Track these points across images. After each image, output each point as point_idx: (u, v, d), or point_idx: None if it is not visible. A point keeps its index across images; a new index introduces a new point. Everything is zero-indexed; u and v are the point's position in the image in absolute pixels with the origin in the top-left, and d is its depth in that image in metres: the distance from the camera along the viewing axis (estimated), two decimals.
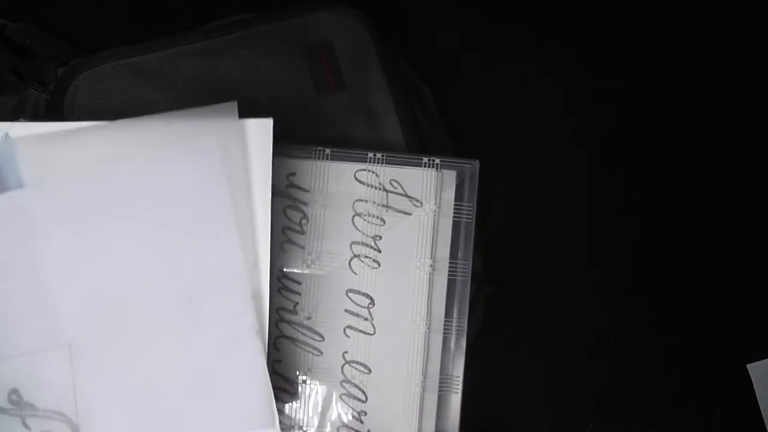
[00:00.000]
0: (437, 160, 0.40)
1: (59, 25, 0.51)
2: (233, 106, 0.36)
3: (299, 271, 0.40)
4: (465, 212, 0.40)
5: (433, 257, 0.40)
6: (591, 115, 0.55)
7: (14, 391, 0.36)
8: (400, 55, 0.45)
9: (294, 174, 0.40)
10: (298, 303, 0.39)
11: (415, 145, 0.42)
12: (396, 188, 0.40)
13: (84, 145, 0.37)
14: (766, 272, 0.53)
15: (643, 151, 0.55)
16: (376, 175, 0.40)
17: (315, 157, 0.40)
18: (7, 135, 0.36)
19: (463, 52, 0.55)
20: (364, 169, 0.40)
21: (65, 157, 0.36)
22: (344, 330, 0.39)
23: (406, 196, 0.40)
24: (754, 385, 0.52)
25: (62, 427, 0.36)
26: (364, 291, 0.39)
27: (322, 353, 0.39)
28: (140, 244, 0.36)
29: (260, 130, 0.36)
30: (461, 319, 0.40)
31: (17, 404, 0.36)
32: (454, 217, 0.40)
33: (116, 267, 0.36)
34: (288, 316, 0.39)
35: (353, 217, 0.40)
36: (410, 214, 0.40)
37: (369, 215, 0.40)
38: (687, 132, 0.55)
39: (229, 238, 0.36)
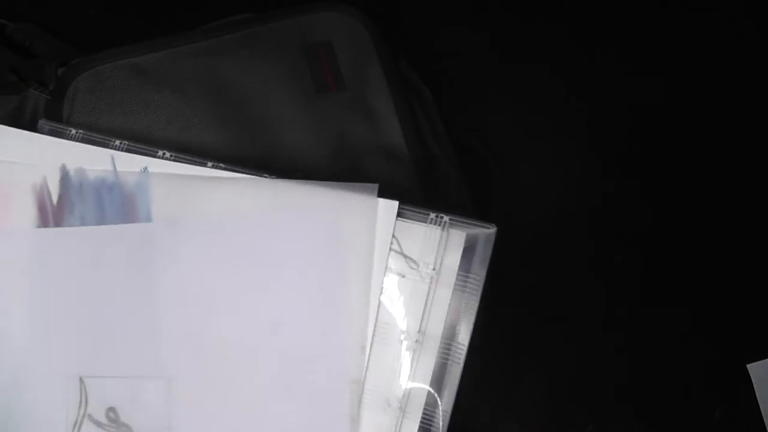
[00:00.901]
0: (446, 218, 0.35)
1: (59, 25, 0.51)
2: (374, 188, 0.35)
3: None
4: (470, 285, 0.35)
5: (421, 331, 0.34)
6: (594, 115, 0.55)
7: (112, 409, 0.38)
8: (400, 55, 0.45)
9: None
10: None
11: (415, 145, 0.42)
12: (392, 243, 0.35)
13: (218, 192, 0.37)
14: (767, 272, 0.53)
15: (643, 151, 0.55)
16: None
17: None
18: (146, 169, 0.38)
19: (463, 52, 0.55)
20: None
21: (197, 201, 0.37)
22: None
23: (402, 254, 0.35)
24: (754, 385, 0.52)
25: None
26: None
27: None
28: (252, 297, 0.37)
29: (387, 211, 0.35)
30: (447, 409, 0.34)
31: (114, 422, 0.37)
32: (455, 287, 0.35)
33: (224, 313, 0.37)
34: None
35: None
36: (403, 276, 0.35)
37: None
38: (690, 133, 0.55)
39: (338, 317, 0.35)
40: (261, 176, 0.36)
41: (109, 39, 0.43)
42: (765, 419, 0.51)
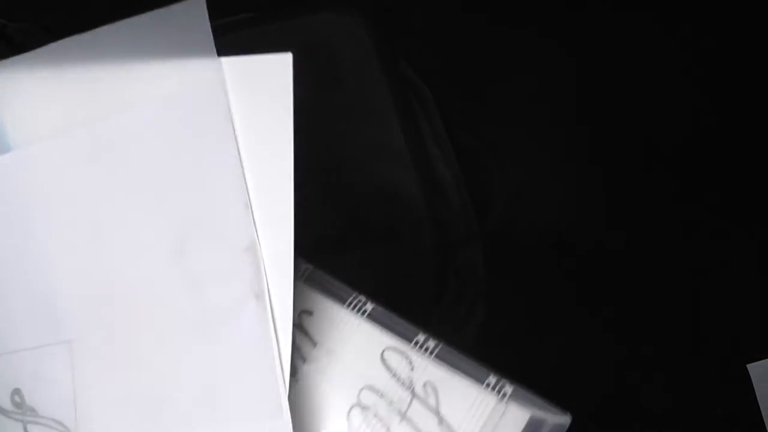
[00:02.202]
0: (508, 389, 0.27)
1: (59, 25, 0.51)
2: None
3: None
4: None
5: None
6: (595, 116, 0.55)
7: (17, 391, 0.32)
8: (400, 55, 0.45)
9: (310, 314, 0.30)
10: None
11: (415, 146, 0.42)
12: (427, 397, 0.28)
13: (62, 87, 0.31)
14: (767, 272, 0.54)
15: (643, 151, 0.55)
16: (411, 367, 0.28)
17: (348, 305, 0.30)
18: None
19: (463, 52, 0.55)
20: (400, 352, 0.28)
21: (48, 110, 0.31)
22: None
23: (437, 415, 0.27)
24: (754, 385, 0.52)
25: None
26: None
27: None
28: (137, 211, 0.30)
29: (277, 69, 0.29)
30: None
31: (20, 407, 0.32)
32: None
33: (113, 244, 0.31)
34: None
35: (352, 407, 0.28)
36: None
37: (375, 416, 0.28)
38: (691, 129, 0.55)
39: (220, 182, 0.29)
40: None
41: None
42: (765, 419, 0.51)
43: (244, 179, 0.29)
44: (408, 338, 0.29)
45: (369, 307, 0.29)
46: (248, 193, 0.28)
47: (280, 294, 0.28)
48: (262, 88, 0.29)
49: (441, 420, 0.27)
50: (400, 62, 0.45)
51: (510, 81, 0.55)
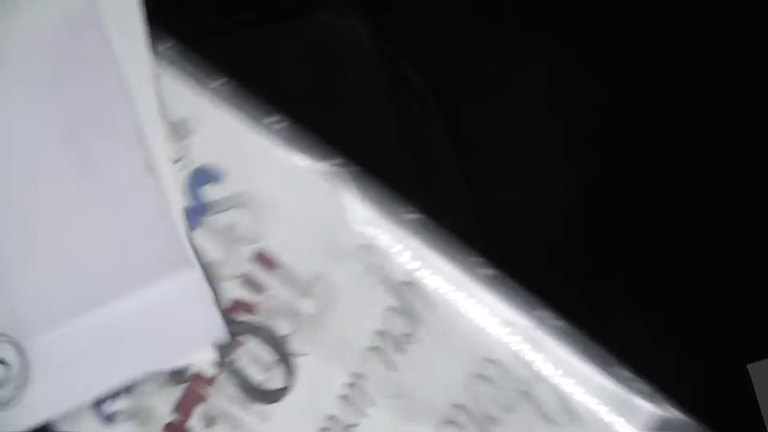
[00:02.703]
0: (640, 384, 0.27)
1: None
2: None
3: (377, 396, 0.29)
4: None
5: None
6: (596, 117, 0.55)
7: None
8: (400, 55, 0.45)
9: (433, 273, 0.29)
10: (358, 425, 0.29)
11: (416, 148, 0.42)
12: (553, 378, 0.27)
13: None
14: (767, 272, 0.54)
15: (642, 151, 0.55)
16: (537, 344, 0.28)
17: (469, 270, 0.29)
18: None
19: (464, 52, 0.55)
20: (524, 327, 0.28)
21: None
22: None
23: (561, 398, 0.27)
24: (754, 385, 0.52)
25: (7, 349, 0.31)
26: None
27: None
28: (24, 106, 0.31)
29: None
30: None
31: None
32: None
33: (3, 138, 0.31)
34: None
35: (475, 376, 0.28)
36: (553, 423, 0.27)
37: (496, 388, 0.28)
38: (686, 131, 0.55)
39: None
40: None
41: None
42: (765, 419, 0.51)
43: (119, 67, 0.31)
44: (532, 314, 0.28)
45: (489, 271, 0.28)
46: (126, 78, 0.31)
47: (167, 164, 0.31)
48: None
49: (566, 405, 0.27)
50: (400, 62, 0.45)
51: (510, 81, 0.55)
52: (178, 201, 0.31)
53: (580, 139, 0.55)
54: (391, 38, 0.43)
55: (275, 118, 0.32)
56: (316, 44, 0.42)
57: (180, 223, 0.30)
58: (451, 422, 0.28)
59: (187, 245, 0.30)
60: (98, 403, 0.32)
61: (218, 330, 0.30)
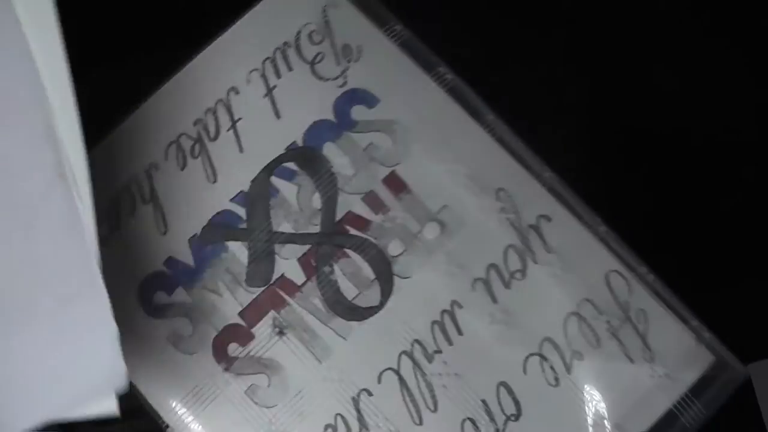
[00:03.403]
0: (708, 335, 0.33)
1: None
2: None
3: (471, 324, 0.32)
4: (691, 413, 0.31)
5: (619, 426, 0.31)
6: (598, 117, 0.53)
7: None
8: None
9: (548, 219, 0.33)
10: (441, 352, 0.31)
11: None
12: (638, 322, 0.32)
13: None
14: (767, 272, 0.54)
15: (642, 151, 0.54)
16: (630, 290, 0.32)
17: (587, 224, 0.33)
18: None
19: (464, 52, 0.52)
20: (623, 275, 0.32)
21: None
22: (463, 421, 0.31)
23: (643, 339, 0.32)
24: (754, 385, 0.54)
25: None
26: (518, 397, 0.31)
27: (421, 424, 0.31)
28: None
29: None
30: None
31: None
32: (674, 406, 0.31)
33: None
34: (419, 357, 0.31)
35: (572, 314, 0.32)
36: (633, 361, 0.31)
37: (589, 327, 0.32)
38: (687, 132, 0.54)
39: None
40: None
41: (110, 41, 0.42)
42: (765, 419, 0.53)
43: (32, 64, 0.26)
44: (632, 266, 0.33)
45: (602, 229, 0.33)
46: (39, 77, 0.26)
47: (79, 171, 0.26)
48: None
49: (646, 346, 0.31)
50: None
51: (511, 81, 0.53)
52: (89, 215, 0.26)
53: (583, 138, 0.54)
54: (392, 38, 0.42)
55: (442, 69, 0.36)
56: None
57: (91, 241, 0.26)
58: (537, 354, 0.31)
59: (97, 270, 0.25)
60: (146, 295, 0.32)
61: (121, 376, 0.25)
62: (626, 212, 0.40)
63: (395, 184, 0.33)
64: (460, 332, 0.32)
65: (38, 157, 0.27)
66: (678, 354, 0.32)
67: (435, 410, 0.31)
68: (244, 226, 0.33)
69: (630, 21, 0.54)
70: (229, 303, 0.32)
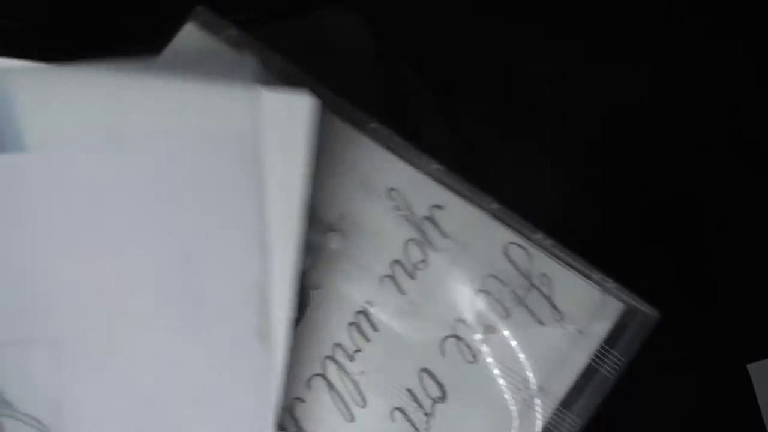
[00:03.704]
0: (611, 285, 0.33)
1: (60, 26, 0.51)
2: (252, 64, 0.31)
3: (384, 319, 0.33)
4: (608, 363, 0.32)
5: (542, 389, 0.32)
6: (598, 117, 0.55)
7: None
8: (400, 55, 0.45)
9: (440, 208, 0.34)
10: (361, 350, 0.33)
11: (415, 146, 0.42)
12: (542, 286, 0.33)
13: (93, 101, 0.30)
14: (766, 272, 0.53)
15: (642, 151, 0.55)
16: (529, 258, 0.33)
17: (478, 205, 0.34)
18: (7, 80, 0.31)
19: (464, 52, 0.55)
20: (521, 246, 0.33)
21: (72, 119, 0.31)
22: (392, 411, 0.32)
23: (550, 301, 0.33)
24: (754, 385, 0.52)
25: None
26: (440, 380, 0.32)
27: (354, 421, 0.33)
28: (144, 230, 0.31)
29: (295, 108, 0.30)
30: None
31: None
32: (592, 359, 0.32)
33: (116, 254, 0.31)
34: (341, 359, 0.33)
35: (478, 291, 0.33)
36: (543, 324, 0.32)
37: (496, 301, 0.33)
38: (690, 129, 0.55)
39: (238, 229, 0.30)
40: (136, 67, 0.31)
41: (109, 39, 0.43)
42: (765, 419, 0.51)
43: (261, 217, 0.30)
44: (527, 235, 0.33)
45: (493, 206, 0.34)
46: (263, 232, 0.30)
47: (281, 334, 0.30)
48: (287, 125, 0.30)
49: (554, 307, 0.32)
50: (400, 62, 0.45)
51: (511, 81, 0.55)
52: (278, 374, 0.30)
53: (583, 138, 0.55)
54: (391, 38, 0.43)
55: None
56: (317, 44, 0.42)
57: (274, 397, 0.30)
58: (452, 336, 0.32)
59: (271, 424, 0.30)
60: None
61: None
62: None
63: None
64: (375, 329, 0.33)
65: (243, 310, 0.30)
66: (586, 309, 0.32)
67: (364, 406, 0.33)
68: None
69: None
70: None
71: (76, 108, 0.31)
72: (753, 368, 0.52)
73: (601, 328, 0.32)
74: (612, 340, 0.32)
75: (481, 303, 0.33)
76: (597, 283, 0.33)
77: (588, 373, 0.32)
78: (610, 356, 0.32)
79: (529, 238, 0.33)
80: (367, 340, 0.33)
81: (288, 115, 0.30)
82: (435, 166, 0.35)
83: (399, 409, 0.32)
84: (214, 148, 0.30)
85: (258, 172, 0.30)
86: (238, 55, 0.33)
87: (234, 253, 0.30)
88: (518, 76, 0.56)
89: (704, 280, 0.54)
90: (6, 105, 0.31)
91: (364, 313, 0.33)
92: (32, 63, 0.32)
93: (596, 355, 0.32)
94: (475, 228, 0.33)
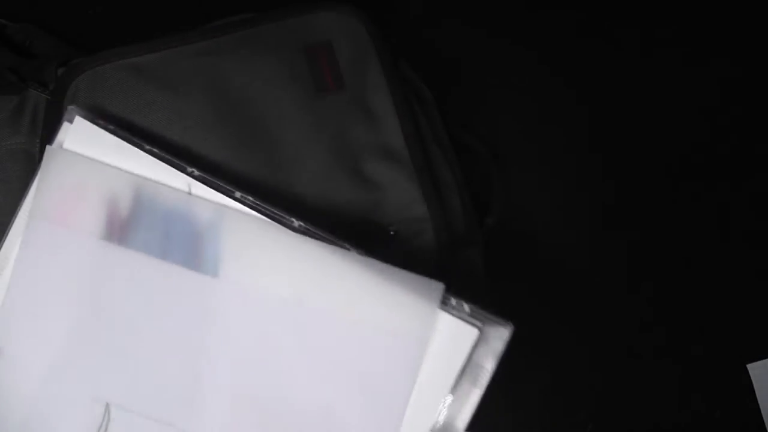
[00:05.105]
0: (466, 307, 0.36)
1: (59, 25, 0.51)
2: (438, 290, 0.36)
3: None
4: (476, 375, 0.36)
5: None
6: (598, 117, 0.55)
7: None
8: (400, 55, 0.45)
9: None
10: None
11: (415, 146, 0.42)
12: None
13: (291, 259, 0.36)
14: (766, 272, 0.53)
15: (642, 151, 0.55)
16: None
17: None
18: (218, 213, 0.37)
19: (464, 52, 0.55)
20: None
21: (269, 263, 0.36)
22: None
23: None
24: (754, 385, 0.52)
25: None
26: None
27: None
28: (303, 374, 0.36)
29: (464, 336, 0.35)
30: None
31: None
32: (462, 374, 0.36)
33: (270, 383, 0.36)
34: None
35: None
36: None
37: None
38: (691, 132, 0.55)
39: (377, 411, 0.36)
40: (343, 247, 0.36)
41: (109, 39, 0.43)
42: (765, 419, 0.51)
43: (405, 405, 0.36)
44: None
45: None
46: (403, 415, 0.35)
47: None
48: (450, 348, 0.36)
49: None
50: (400, 62, 0.45)
51: (511, 81, 0.55)
52: None
53: (582, 138, 0.55)
54: (391, 38, 0.43)
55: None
56: (316, 44, 0.41)
57: None
58: None
59: None
60: None
61: None
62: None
63: None
64: None
65: None
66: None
67: None
68: None
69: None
70: None
71: (269, 262, 0.37)
72: (753, 368, 0.52)
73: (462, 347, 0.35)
74: (475, 356, 0.36)
75: None
76: (455, 308, 0.36)
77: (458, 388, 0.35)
78: (471, 368, 0.36)
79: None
80: None
81: (454, 340, 0.36)
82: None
83: None
84: (387, 337, 0.36)
85: (416, 374, 0.35)
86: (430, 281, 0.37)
87: (370, 426, 0.36)
88: (517, 76, 0.55)
89: (704, 280, 0.54)
90: (215, 237, 0.37)
91: None
92: (247, 207, 0.37)
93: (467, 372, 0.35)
94: None
